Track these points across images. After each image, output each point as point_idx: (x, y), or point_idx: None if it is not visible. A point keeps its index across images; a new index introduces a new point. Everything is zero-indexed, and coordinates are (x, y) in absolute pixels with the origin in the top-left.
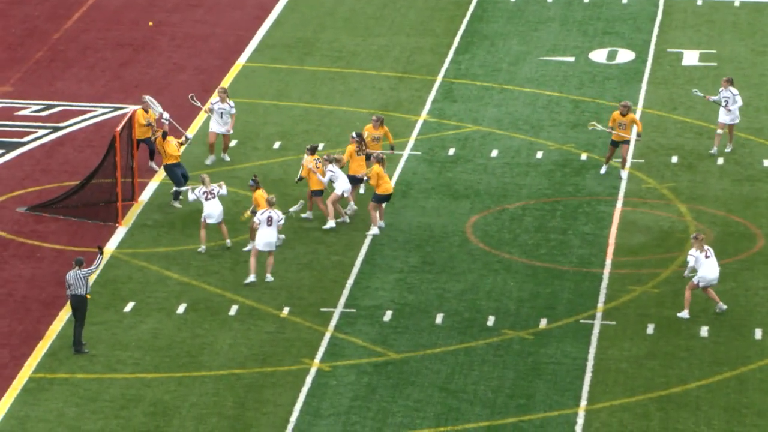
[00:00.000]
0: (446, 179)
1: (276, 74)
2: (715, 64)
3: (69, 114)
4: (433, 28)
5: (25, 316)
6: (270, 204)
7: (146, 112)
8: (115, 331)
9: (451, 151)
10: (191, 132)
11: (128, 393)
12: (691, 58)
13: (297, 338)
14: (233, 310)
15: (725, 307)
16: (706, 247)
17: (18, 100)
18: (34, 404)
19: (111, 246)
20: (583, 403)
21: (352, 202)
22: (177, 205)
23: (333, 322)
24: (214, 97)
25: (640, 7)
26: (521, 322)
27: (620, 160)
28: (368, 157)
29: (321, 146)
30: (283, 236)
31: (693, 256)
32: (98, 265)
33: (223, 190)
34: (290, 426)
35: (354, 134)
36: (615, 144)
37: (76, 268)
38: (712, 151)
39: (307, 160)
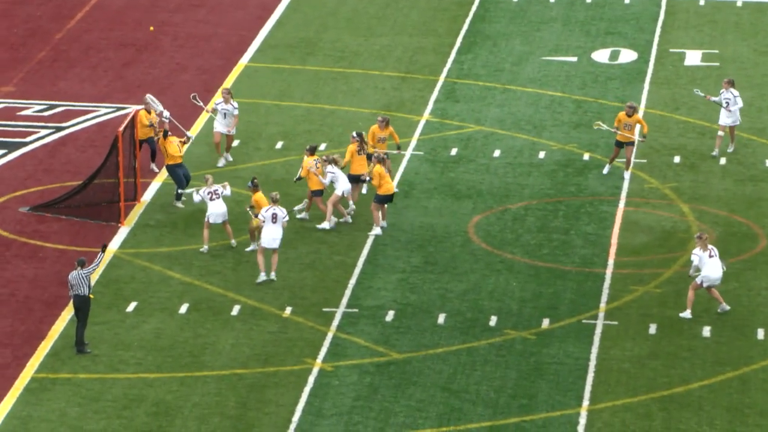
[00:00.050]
0: (449, 179)
1: (278, 74)
2: (718, 64)
3: (71, 114)
4: (435, 28)
5: (27, 316)
6: (274, 201)
7: (149, 112)
8: (118, 331)
9: (454, 151)
10: (193, 132)
11: (131, 393)
12: (693, 58)
13: (299, 338)
14: (235, 310)
15: (728, 307)
16: (710, 246)
17: (21, 100)
18: (36, 404)
19: (113, 246)
20: (586, 403)
21: (351, 202)
22: (179, 205)
23: (335, 322)
24: (218, 98)
25: (642, 7)
26: (523, 322)
27: (624, 160)
28: (369, 157)
29: (323, 146)
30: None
31: (697, 255)
32: (98, 262)
33: (227, 191)
34: (292, 426)
35: (354, 134)
36: (620, 145)
37: (79, 268)
38: (714, 153)
39: (307, 161)
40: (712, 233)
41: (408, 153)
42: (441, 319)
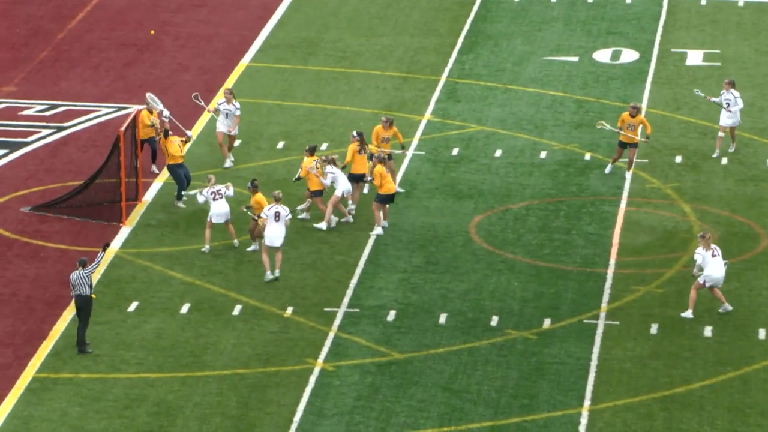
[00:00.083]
0: (450, 179)
1: (280, 74)
2: (719, 64)
3: (73, 114)
4: (436, 28)
5: (28, 315)
6: (276, 199)
7: (151, 113)
8: (119, 331)
9: (455, 151)
10: (195, 132)
11: (132, 393)
12: (695, 58)
13: (300, 338)
14: (237, 310)
15: (730, 308)
16: (713, 246)
17: (22, 99)
18: (37, 404)
19: (115, 246)
20: (587, 403)
21: (350, 202)
22: (181, 205)
23: (336, 322)
24: (221, 98)
25: (644, 7)
26: (525, 322)
27: (626, 160)
28: (370, 157)
29: (324, 146)
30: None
31: (700, 254)
32: (99, 261)
33: (230, 191)
34: (294, 426)
35: (355, 133)
36: (623, 145)
37: (80, 268)
38: (715, 155)
39: (307, 161)
40: (714, 233)
41: (409, 153)
42: (442, 319)
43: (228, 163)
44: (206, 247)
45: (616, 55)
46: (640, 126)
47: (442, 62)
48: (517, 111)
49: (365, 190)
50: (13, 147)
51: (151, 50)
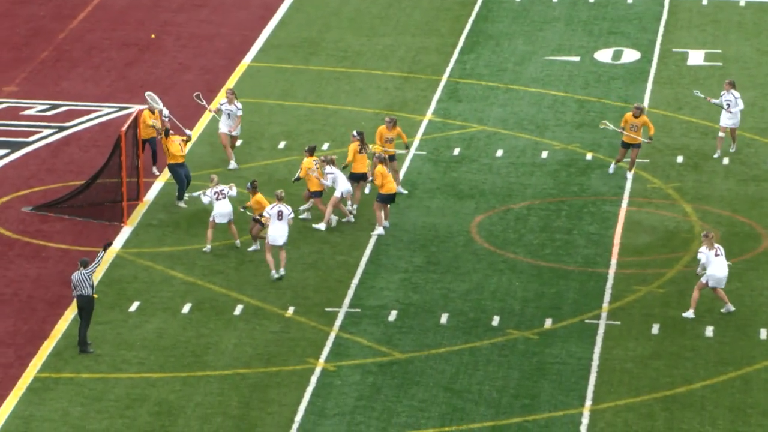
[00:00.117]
0: (451, 179)
1: (281, 74)
2: (721, 64)
3: (74, 114)
4: (438, 28)
5: (30, 315)
6: (279, 199)
7: (152, 113)
8: (120, 331)
9: (456, 151)
10: (196, 131)
11: (133, 392)
12: (696, 57)
13: (302, 338)
14: (238, 310)
15: (733, 308)
16: (716, 245)
17: (23, 99)
18: (39, 404)
19: (116, 246)
20: (588, 403)
21: (350, 203)
22: (182, 204)
23: (338, 322)
24: (222, 98)
25: (645, 6)
26: (526, 322)
27: (628, 161)
28: (370, 156)
29: (326, 146)
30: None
31: (704, 253)
32: (99, 261)
33: (233, 191)
34: (295, 426)
35: (355, 132)
36: (626, 146)
37: (81, 268)
38: (716, 155)
39: (306, 161)
40: (715, 233)
41: (411, 153)
42: (444, 318)
43: (232, 165)
44: (208, 247)
45: (617, 55)
46: (643, 126)
47: (443, 62)
48: (519, 111)
49: (366, 190)
50: (15, 147)
51: (152, 50)
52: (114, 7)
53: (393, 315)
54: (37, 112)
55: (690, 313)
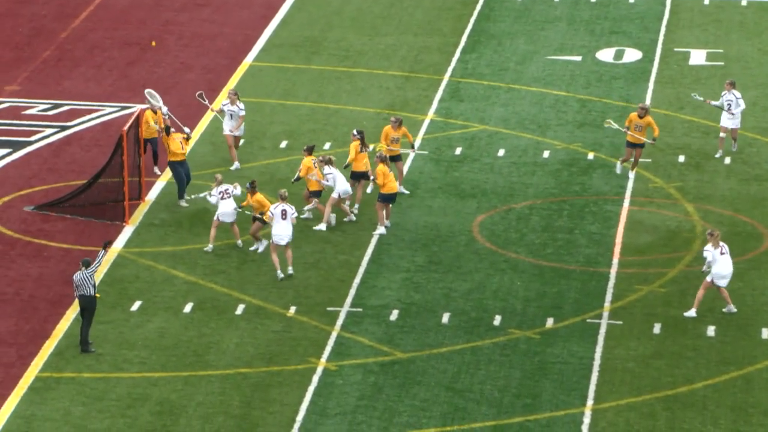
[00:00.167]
0: (453, 178)
1: (283, 73)
2: (722, 63)
3: (76, 113)
4: (440, 28)
5: (32, 315)
6: (282, 198)
7: (155, 113)
8: (122, 330)
9: (458, 151)
10: (197, 131)
11: (135, 392)
12: (698, 57)
13: (303, 337)
14: (240, 309)
15: (735, 309)
16: (721, 243)
17: (25, 99)
18: (40, 403)
19: (118, 245)
20: (590, 402)
21: (348, 203)
22: (183, 204)
23: (339, 322)
24: (224, 99)
25: (647, 6)
26: (528, 321)
27: (632, 160)
28: (371, 156)
29: (327, 146)
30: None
31: (709, 251)
32: (100, 260)
33: (237, 191)
34: (296, 425)
35: (355, 131)
36: (632, 146)
37: (83, 268)
38: (718, 155)
39: (306, 161)
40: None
41: (412, 152)
42: (445, 318)
43: (236, 166)
44: (210, 247)
45: (619, 55)
46: (647, 127)
47: (445, 61)
48: (520, 110)
49: (368, 189)
50: (17, 146)
51: (154, 50)
52: (116, 6)
53: (395, 314)
54: (38, 111)
55: (692, 312)
